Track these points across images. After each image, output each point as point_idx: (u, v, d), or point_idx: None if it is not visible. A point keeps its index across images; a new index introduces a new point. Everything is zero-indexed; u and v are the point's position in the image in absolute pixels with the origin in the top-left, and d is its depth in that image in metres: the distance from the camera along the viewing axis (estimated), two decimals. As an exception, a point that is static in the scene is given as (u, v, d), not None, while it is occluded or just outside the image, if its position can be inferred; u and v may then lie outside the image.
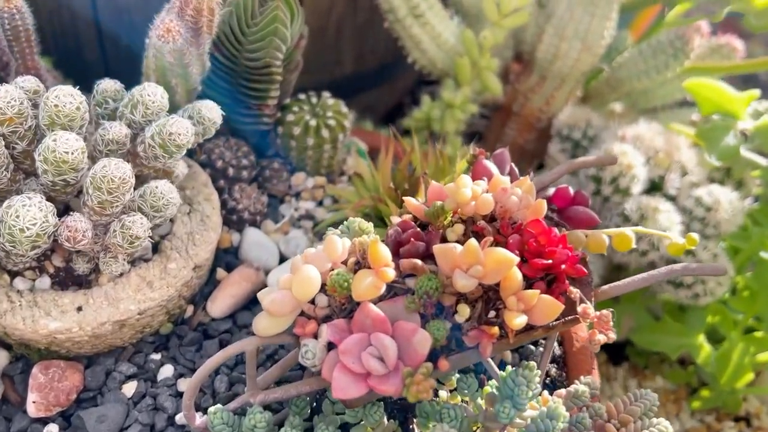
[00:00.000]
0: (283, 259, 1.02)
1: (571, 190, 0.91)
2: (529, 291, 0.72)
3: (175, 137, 0.85)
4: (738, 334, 1.22)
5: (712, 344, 1.26)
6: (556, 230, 0.79)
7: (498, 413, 0.74)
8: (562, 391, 0.83)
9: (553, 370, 0.95)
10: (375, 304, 0.73)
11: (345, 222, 0.85)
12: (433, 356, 0.72)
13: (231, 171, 1.05)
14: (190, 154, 1.06)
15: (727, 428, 1.32)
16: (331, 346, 0.74)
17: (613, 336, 0.77)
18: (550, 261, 0.75)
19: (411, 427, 0.84)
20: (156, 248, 0.94)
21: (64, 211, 0.89)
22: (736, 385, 1.24)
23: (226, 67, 1.04)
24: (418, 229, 0.79)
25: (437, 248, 0.74)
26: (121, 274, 0.89)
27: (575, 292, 0.78)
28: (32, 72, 1.00)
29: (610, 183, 1.18)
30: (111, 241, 0.84)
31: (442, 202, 0.81)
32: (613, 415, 0.81)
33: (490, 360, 0.78)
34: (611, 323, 0.78)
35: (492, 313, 0.74)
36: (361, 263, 0.78)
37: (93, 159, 0.89)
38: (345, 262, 0.78)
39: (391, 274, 0.73)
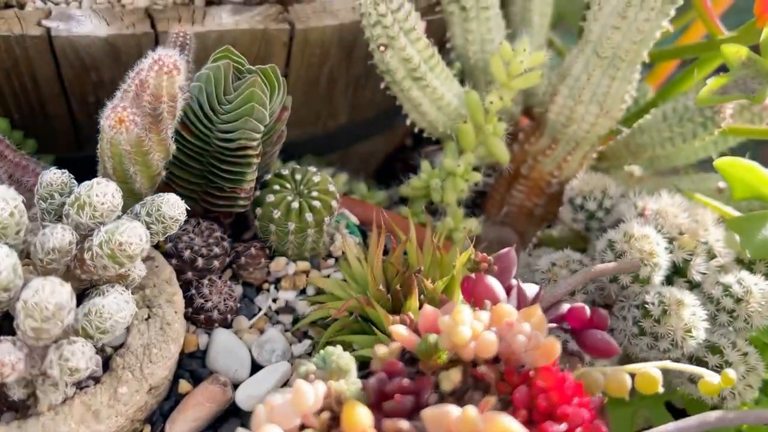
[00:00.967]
0: (256, 367, 0.90)
1: (588, 310, 0.79)
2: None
3: (125, 247, 0.73)
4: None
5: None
6: (570, 377, 0.67)
7: None
8: None
9: None
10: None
11: (321, 352, 0.73)
12: None
13: (200, 262, 0.92)
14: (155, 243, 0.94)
15: None
16: None
17: None
18: (563, 427, 0.63)
19: None
20: (107, 364, 0.81)
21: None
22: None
23: (196, 147, 0.91)
24: (406, 379, 0.66)
25: (427, 414, 0.61)
26: (65, 400, 0.77)
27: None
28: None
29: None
30: (48, 372, 0.72)
31: (436, 337, 0.69)
32: None
33: None
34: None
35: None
36: (336, 416, 0.66)
37: (34, 266, 0.77)
38: (319, 412, 0.66)
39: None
